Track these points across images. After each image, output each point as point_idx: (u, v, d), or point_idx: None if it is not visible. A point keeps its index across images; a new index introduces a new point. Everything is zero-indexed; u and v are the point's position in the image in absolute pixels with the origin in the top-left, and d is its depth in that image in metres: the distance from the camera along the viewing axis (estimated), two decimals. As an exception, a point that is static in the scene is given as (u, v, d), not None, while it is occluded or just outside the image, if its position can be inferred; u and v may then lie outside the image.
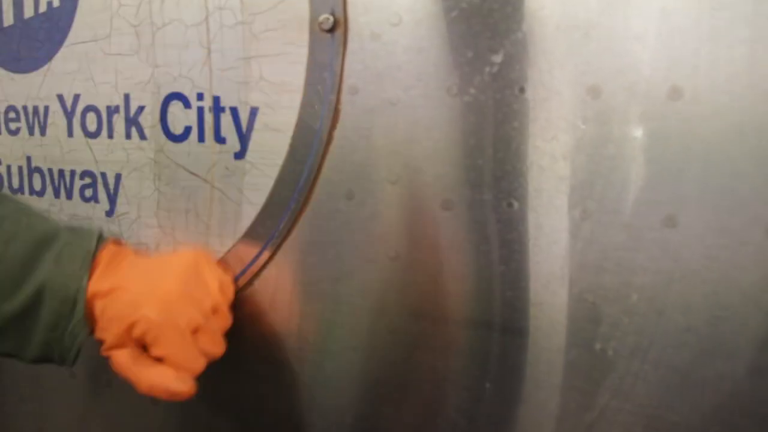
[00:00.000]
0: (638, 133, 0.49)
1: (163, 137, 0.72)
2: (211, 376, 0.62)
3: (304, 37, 0.61)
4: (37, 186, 0.84)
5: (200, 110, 0.69)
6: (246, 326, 0.69)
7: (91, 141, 0.78)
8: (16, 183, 0.86)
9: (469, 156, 0.55)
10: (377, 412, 0.63)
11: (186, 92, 0.69)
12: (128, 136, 0.74)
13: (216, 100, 0.67)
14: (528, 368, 0.56)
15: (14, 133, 0.85)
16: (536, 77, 0.52)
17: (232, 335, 0.65)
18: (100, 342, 0.59)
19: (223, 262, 0.70)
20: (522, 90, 0.52)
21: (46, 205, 0.83)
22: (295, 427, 0.68)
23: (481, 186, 0.55)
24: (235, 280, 0.69)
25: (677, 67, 0.47)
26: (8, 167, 0.87)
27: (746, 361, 0.49)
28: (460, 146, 0.55)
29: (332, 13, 0.59)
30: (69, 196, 0.81)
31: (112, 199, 0.78)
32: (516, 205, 0.54)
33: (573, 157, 0.51)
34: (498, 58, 0.53)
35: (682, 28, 0.47)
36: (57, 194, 0.82)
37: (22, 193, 0.86)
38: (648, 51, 0.48)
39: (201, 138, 0.69)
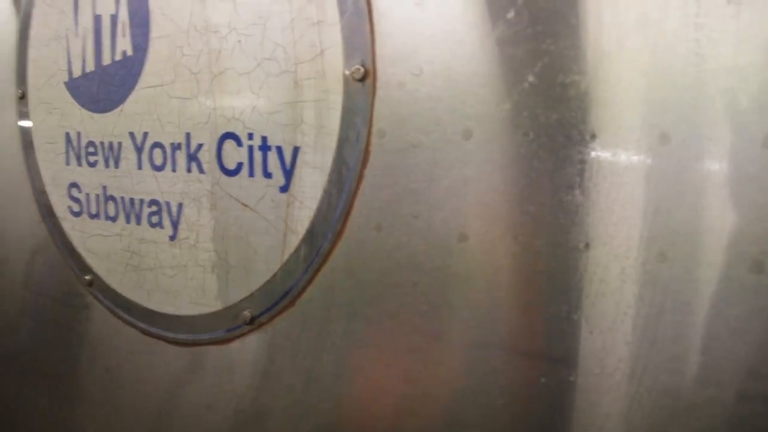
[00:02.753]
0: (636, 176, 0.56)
1: (218, 171, 0.83)
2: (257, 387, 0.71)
3: (339, 86, 0.70)
4: (111, 212, 0.97)
5: (250, 148, 0.79)
6: (287, 341, 0.78)
7: (157, 174, 0.90)
8: (93, 209, 0.99)
9: (483, 194, 0.63)
10: (401, 422, 0.71)
11: (238, 132, 0.80)
12: (189, 170, 0.86)
13: (264, 139, 0.78)
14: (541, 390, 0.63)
15: (93, 165, 0.98)
16: (541, 122, 0.59)
17: (271, 349, 0.75)
18: None
19: (267, 288, 0.79)
20: (526, 134, 0.60)
21: (119, 229, 0.96)
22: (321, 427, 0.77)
23: (494, 221, 0.62)
24: (279, 300, 0.78)
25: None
26: (87, 195, 1.00)
27: (735, 388, 0.55)
28: (474, 185, 0.63)
29: (363, 65, 0.68)
30: (138, 222, 0.93)
31: (175, 226, 0.89)
32: (521, 239, 0.61)
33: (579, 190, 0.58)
34: (507, 105, 0.61)
35: None
36: (128, 220, 0.95)
37: (99, 218, 0.99)
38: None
39: (251, 173, 0.80)
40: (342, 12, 0.69)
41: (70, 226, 1.05)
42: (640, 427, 0.58)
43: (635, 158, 0.56)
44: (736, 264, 0.54)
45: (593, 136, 0.58)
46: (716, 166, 0.54)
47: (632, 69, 0.56)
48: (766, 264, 0.52)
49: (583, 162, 0.58)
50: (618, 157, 0.56)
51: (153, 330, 0.96)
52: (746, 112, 0.52)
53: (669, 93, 0.55)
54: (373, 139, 0.69)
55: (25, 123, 1.10)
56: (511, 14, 0.60)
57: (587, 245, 0.59)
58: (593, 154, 0.58)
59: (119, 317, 1.00)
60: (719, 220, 0.54)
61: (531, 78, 0.60)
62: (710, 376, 0.56)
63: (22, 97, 1.10)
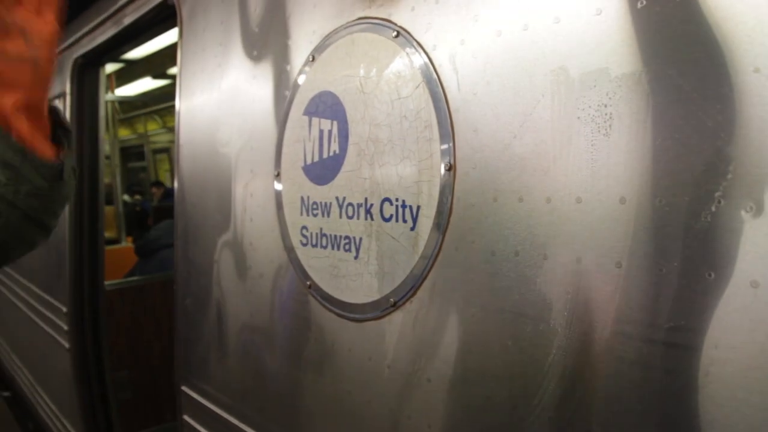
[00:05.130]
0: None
1: (380, 219, 1.51)
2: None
3: (438, 173, 1.35)
4: (324, 243, 1.69)
5: (397, 206, 1.47)
6: (413, 316, 1.43)
7: (349, 221, 1.61)
8: (314, 242, 1.73)
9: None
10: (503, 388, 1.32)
11: (391, 197, 1.48)
12: (366, 218, 1.55)
13: (403, 201, 1.45)
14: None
15: (315, 215, 1.72)
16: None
17: (404, 321, 1.40)
18: None
19: (403, 284, 1.45)
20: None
21: (327, 253, 1.68)
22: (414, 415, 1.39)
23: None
24: (408, 291, 1.43)
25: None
26: (311, 233, 1.74)
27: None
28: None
29: (450, 162, 1.33)
30: (338, 249, 1.65)
31: (357, 251, 1.58)
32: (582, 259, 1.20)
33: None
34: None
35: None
36: (333, 248, 1.66)
37: (317, 247, 1.71)
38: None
39: (397, 220, 1.47)
40: (441, 135, 1.35)
41: (300, 252, 1.80)
42: None
43: None
44: None
45: None
46: None
47: None
48: None
49: None
50: None
51: (342, 313, 1.65)
52: None
53: None
54: (455, 201, 1.33)
55: (278, 191, 1.89)
56: (513, 139, 1.21)
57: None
58: None
59: (324, 306, 1.71)
60: None
61: (528, 170, 1.21)
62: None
63: (278, 175, 1.89)
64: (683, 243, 0.99)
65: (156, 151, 14.49)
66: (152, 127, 13.77)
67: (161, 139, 13.94)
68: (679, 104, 1.00)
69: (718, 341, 0.96)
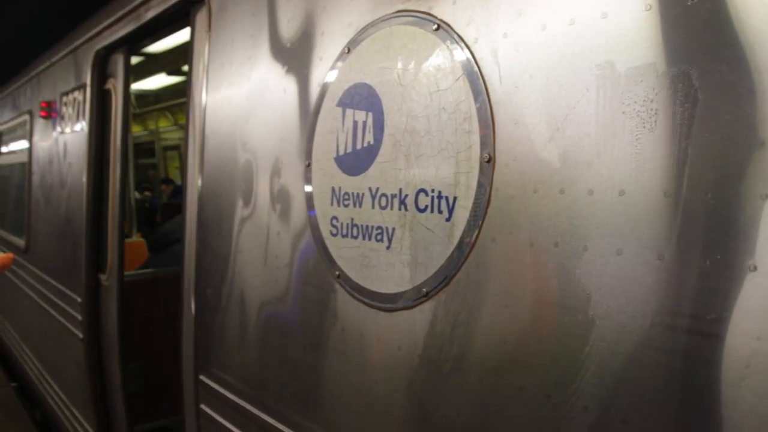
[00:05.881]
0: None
1: (415, 210, 1.53)
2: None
3: (477, 164, 1.37)
4: (354, 234, 1.71)
5: (432, 197, 1.48)
6: (444, 306, 1.44)
7: (382, 211, 1.62)
8: (344, 232, 1.74)
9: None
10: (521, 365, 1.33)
11: (426, 188, 1.49)
12: (399, 209, 1.57)
13: (439, 192, 1.46)
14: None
15: (346, 206, 1.74)
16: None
17: (436, 310, 1.41)
18: None
19: (437, 274, 1.46)
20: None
21: (358, 243, 1.69)
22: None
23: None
24: (441, 282, 1.44)
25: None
26: (341, 223, 1.75)
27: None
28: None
29: (489, 154, 1.35)
30: (369, 239, 1.66)
31: (390, 241, 1.60)
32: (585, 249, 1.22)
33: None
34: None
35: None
36: (364, 238, 1.68)
37: (347, 237, 1.73)
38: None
39: (432, 211, 1.49)
40: (481, 127, 1.37)
41: (330, 242, 1.82)
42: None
43: None
44: None
45: None
46: None
47: None
48: None
49: None
50: None
51: (372, 303, 1.67)
52: None
53: None
54: (493, 193, 1.35)
55: (308, 181, 1.91)
56: (556, 132, 1.23)
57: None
58: None
59: (353, 296, 1.73)
60: None
61: (569, 163, 1.22)
62: None
63: (308, 166, 1.91)
64: (728, 236, 1.01)
65: (166, 148, 14.51)
66: (163, 124, 13.80)
67: (172, 136, 13.98)
68: (727, 99, 1.01)
69: (760, 333, 0.97)
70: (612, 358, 1.15)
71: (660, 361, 1.09)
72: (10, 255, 1.53)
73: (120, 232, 3.67)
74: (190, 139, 2.73)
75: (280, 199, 2.06)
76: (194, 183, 2.66)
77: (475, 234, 1.39)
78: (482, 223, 1.38)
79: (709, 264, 1.03)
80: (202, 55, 2.65)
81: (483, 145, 1.37)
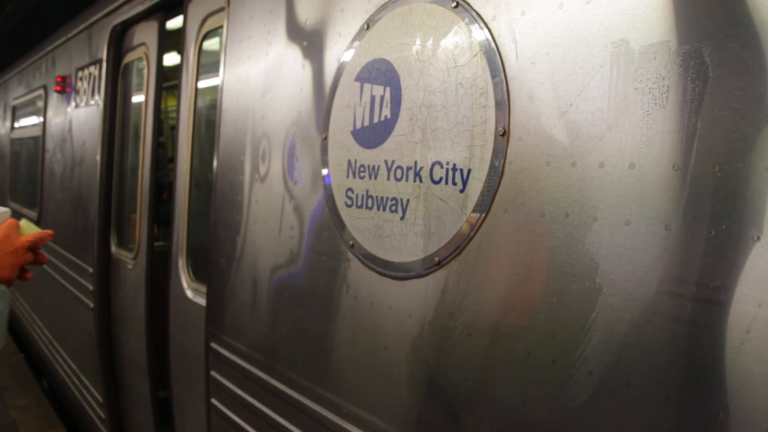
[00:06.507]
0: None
1: (430, 182, 1.57)
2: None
3: (492, 138, 1.41)
4: (369, 205, 1.76)
5: (447, 170, 1.52)
6: (455, 274, 1.49)
7: (397, 182, 1.67)
8: (359, 203, 1.79)
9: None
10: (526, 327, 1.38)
11: (441, 160, 1.54)
12: (414, 180, 1.61)
13: (454, 165, 1.51)
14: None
15: (362, 178, 1.79)
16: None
17: (447, 278, 1.46)
18: None
19: (449, 243, 1.51)
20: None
21: (372, 214, 1.74)
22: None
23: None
24: (453, 251, 1.49)
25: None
26: (356, 195, 1.80)
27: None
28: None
29: (504, 128, 1.39)
30: (383, 210, 1.71)
31: (404, 211, 1.65)
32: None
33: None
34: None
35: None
36: (378, 209, 1.73)
37: (362, 208, 1.78)
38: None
39: (446, 182, 1.53)
40: (497, 102, 1.41)
41: (344, 213, 1.87)
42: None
43: None
44: None
45: None
46: None
47: None
48: None
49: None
50: None
51: (384, 272, 1.72)
52: None
53: None
54: (506, 165, 1.39)
55: (325, 153, 1.95)
56: (570, 106, 1.27)
57: (604, 221, 1.22)
58: None
59: (366, 265, 1.78)
60: None
61: (581, 137, 1.26)
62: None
63: (324, 139, 1.95)
64: (733, 207, 1.05)
65: (174, 128, 14.54)
66: (171, 103, 13.80)
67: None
68: (738, 76, 1.05)
69: (761, 300, 1.02)
70: (617, 324, 1.20)
71: (664, 327, 1.13)
72: (49, 231, 1.56)
73: (151, 206, 3.66)
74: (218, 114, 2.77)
75: (296, 171, 2.11)
76: (219, 153, 2.71)
77: (488, 205, 1.43)
78: (495, 194, 1.42)
79: (714, 234, 1.07)
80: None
81: (498, 119, 1.42)
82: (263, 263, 2.30)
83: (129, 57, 4.07)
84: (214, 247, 2.63)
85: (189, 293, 3.00)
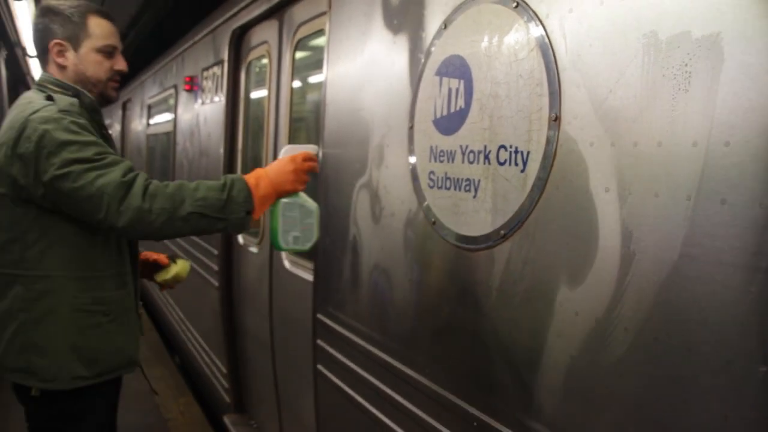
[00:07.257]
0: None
1: (496, 163, 1.80)
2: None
3: (546, 123, 1.62)
4: (447, 185, 2.01)
5: (510, 152, 1.74)
6: (518, 245, 1.71)
7: (470, 165, 1.91)
8: (439, 184, 2.04)
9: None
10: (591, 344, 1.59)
11: (506, 144, 1.76)
12: (483, 162, 1.84)
13: (515, 148, 1.72)
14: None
15: (441, 161, 2.04)
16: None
17: (511, 249, 1.69)
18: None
19: (512, 218, 1.72)
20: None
21: (450, 194, 1.99)
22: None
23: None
24: (516, 224, 1.71)
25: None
26: (437, 177, 2.06)
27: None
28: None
29: (556, 114, 1.60)
30: (459, 190, 1.96)
31: (476, 190, 1.88)
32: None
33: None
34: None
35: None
36: (455, 189, 1.97)
37: (441, 189, 2.03)
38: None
39: (509, 164, 1.75)
40: (550, 91, 1.62)
41: (428, 194, 2.12)
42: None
43: None
44: None
45: None
46: None
47: None
48: None
49: None
50: None
51: (460, 245, 1.96)
52: None
53: None
54: (558, 147, 1.59)
55: (411, 141, 2.21)
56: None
57: (640, 194, 1.41)
58: None
59: (446, 240, 2.02)
60: None
61: (620, 120, 1.45)
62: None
63: (411, 128, 2.21)
64: (749, 177, 1.21)
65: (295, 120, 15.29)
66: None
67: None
68: (756, 60, 1.20)
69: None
70: (647, 285, 1.38)
71: (685, 287, 1.31)
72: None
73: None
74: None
75: (388, 157, 2.38)
76: (324, 143, 3.04)
77: (543, 183, 1.64)
78: (549, 173, 1.63)
79: (730, 203, 1.23)
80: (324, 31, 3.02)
81: (551, 106, 1.62)
82: (361, 241, 2.60)
83: (252, 55, 4.46)
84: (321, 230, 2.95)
85: (287, 263, 3.37)
